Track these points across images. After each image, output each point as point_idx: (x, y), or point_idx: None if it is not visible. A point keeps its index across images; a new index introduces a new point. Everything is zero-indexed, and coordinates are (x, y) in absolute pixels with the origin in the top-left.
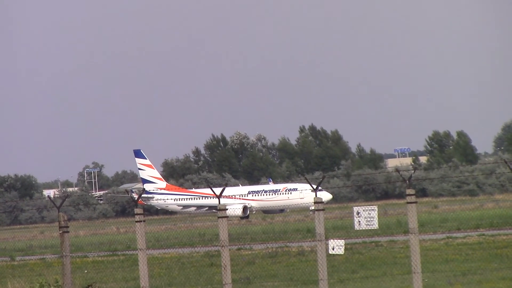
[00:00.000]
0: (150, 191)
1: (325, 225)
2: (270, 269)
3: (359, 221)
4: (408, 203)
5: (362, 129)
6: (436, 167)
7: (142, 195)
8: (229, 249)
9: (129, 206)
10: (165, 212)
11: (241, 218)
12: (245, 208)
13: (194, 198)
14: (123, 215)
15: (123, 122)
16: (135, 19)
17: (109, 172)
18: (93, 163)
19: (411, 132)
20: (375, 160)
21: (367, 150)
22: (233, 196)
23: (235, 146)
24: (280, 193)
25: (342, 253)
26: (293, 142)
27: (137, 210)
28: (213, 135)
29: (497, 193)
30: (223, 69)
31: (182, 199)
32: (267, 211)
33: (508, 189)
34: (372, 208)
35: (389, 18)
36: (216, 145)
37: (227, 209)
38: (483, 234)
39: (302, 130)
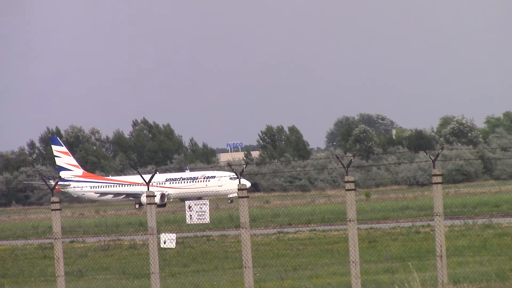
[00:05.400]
0: (67, 179)
1: (157, 218)
2: (102, 262)
3: (191, 215)
4: (239, 197)
5: (195, 124)
6: (268, 162)
7: (59, 183)
8: (62, 242)
9: None
10: (81, 200)
11: (158, 206)
12: (162, 196)
13: (112, 185)
14: None
15: None
16: None
17: None
18: None
19: (244, 127)
20: (207, 154)
21: (200, 145)
22: (151, 184)
23: (71, 139)
24: (198, 181)
25: (174, 247)
26: (127, 136)
27: None
28: (47, 128)
29: (328, 189)
30: (57, 61)
31: (99, 186)
32: (184, 199)
33: (340, 185)
34: (204, 202)
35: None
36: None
37: (59, 202)
38: (315, 230)
39: (135, 123)
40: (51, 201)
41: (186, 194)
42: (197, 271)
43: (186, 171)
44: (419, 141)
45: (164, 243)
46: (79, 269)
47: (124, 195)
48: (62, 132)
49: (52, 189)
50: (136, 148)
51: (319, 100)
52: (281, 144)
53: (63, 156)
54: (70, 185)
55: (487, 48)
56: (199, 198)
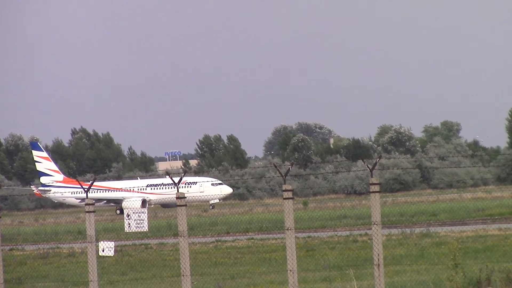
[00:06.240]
0: (47, 184)
1: (96, 227)
2: (41, 270)
3: (129, 224)
4: (178, 206)
5: (134, 132)
6: (207, 171)
7: (39, 188)
8: (2, 250)
9: None
10: (62, 205)
11: None
12: (144, 201)
13: (94, 191)
14: None
15: None
16: None
17: None
18: None
19: (182, 136)
20: (145, 163)
21: (139, 153)
22: (132, 189)
23: (10, 148)
24: (180, 187)
25: (112, 255)
26: (67, 144)
27: None
28: None
29: (266, 197)
30: None
31: (80, 192)
32: (166, 205)
33: (277, 193)
34: (142, 210)
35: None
36: None
37: None
38: (252, 238)
39: (74, 132)
40: None
41: (167, 199)
42: (135, 279)
43: (167, 177)
44: (356, 150)
45: (103, 251)
46: (18, 277)
47: (105, 201)
48: (2, 140)
49: None
50: (75, 156)
51: (257, 109)
52: (219, 153)
53: (43, 162)
54: (50, 190)
55: (426, 57)
56: None
